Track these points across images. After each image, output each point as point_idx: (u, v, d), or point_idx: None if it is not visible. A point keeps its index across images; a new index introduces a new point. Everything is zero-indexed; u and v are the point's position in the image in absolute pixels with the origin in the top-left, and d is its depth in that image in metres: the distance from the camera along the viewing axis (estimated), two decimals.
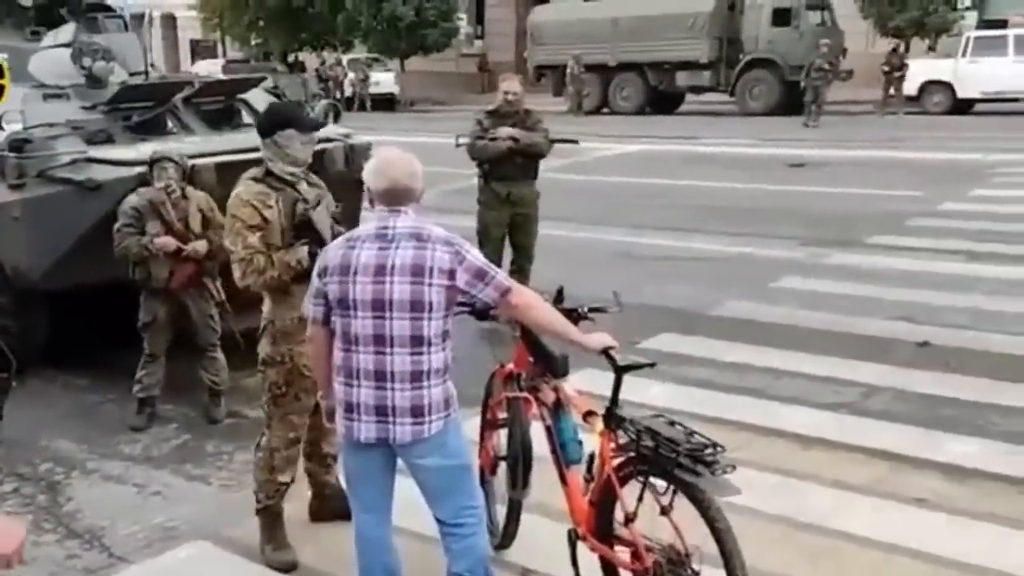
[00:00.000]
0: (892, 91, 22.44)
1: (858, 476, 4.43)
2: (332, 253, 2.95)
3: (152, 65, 7.24)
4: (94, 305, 5.72)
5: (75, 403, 5.39)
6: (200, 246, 5.15)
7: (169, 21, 33.22)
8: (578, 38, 26.33)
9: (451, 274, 2.84)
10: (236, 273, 3.59)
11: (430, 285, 2.82)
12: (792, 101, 22.50)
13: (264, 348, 3.70)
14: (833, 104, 22.25)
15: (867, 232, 9.65)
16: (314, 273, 3.01)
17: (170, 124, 6.31)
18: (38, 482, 4.65)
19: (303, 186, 3.72)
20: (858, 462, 4.58)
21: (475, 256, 2.90)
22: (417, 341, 2.84)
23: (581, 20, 26.75)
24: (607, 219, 10.86)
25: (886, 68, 22.33)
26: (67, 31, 6.48)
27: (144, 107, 6.19)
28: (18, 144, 5.42)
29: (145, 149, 5.51)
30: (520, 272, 7.00)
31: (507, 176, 6.79)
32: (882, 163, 14.74)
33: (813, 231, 9.82)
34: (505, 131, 6.62)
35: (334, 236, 3.37)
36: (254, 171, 3.67)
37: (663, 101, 26.35)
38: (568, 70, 26.00)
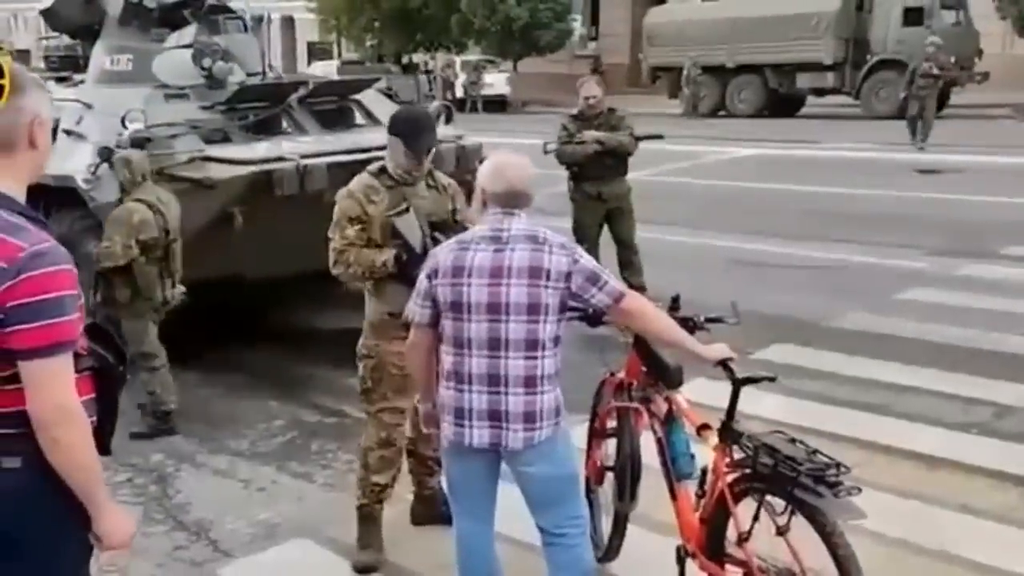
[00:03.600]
0: None
1: (989, 502, 4.13)
2: (443, 255, 2.89)
3: (270, 66, 7.36)
4: (210, 299, 5.81)
5: (186, 396, 5.49)
6: None
7: (288, 23, 34.03)
8: (695, 39, 25.82)
9: (567, 276, 2.79)
10: (329, 262, 3.62)
11: (547, 287, 2.78)
12: None
13: (360, 341, 3.74)
14: (969, 108, 21.19)
15: (1002, 242, 9.09)
16: (422, 275, 2.94)
17: (285, 124, 6.41)
18: (150, 473, 4.75)
19: (420, 187, 3.69)
20: (989, 487, 4.29)
21: (588, 260, 2.86)
22: (532, 345, 2.79)
23: (698, 21, 26.23)
24: (723, 225, 10.54)
25: None
26: (189, 33, 6.61)
27: (260, 107, 6.30)
28: (139, 142, 5.56)
29: (260, 148, 5.59)
30: (629, 266, 6.99)
31: (597, 176, 6.92)
32: (1021, 170, 13.92)
33: (943, 240, 9.30)
34: (590, 135, 6.77)
35: (435, 243, 3.33)
36: (374, 165, 3.71)
37: (782, 104, 25.56)
38: (684, 72, 25.57)
